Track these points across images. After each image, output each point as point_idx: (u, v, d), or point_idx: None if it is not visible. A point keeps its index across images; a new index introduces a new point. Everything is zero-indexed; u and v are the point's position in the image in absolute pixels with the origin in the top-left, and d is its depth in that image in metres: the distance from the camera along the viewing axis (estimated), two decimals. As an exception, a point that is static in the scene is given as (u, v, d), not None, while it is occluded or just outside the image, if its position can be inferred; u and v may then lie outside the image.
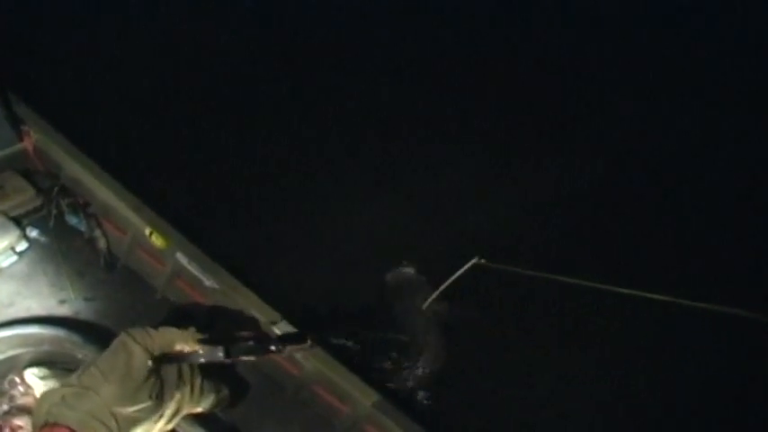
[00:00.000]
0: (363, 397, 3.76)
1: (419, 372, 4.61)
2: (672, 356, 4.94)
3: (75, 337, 3.84)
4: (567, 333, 5.00)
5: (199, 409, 3.32)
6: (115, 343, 2.87)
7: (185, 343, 3.01)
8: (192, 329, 3.09)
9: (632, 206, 6.08)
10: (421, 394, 4.53)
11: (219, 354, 3.01)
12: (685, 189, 6.36)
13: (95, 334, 3.92)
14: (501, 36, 7.63)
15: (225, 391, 3.53)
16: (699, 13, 8.47)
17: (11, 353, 3.81)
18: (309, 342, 3.42)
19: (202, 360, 3.00)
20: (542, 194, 5.93)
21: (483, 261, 4.26)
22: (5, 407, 3.62)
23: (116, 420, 2.68)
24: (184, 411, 3.14)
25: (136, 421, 2.77)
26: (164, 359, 2.91)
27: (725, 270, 5.52)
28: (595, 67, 7.43)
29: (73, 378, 2.74)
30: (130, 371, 2.77)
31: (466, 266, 4.32)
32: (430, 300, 4.76)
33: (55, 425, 2.59)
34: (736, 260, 5.68)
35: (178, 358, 2.98)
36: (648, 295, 3.79)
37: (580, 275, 4.04)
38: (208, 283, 4.03)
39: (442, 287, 4.57)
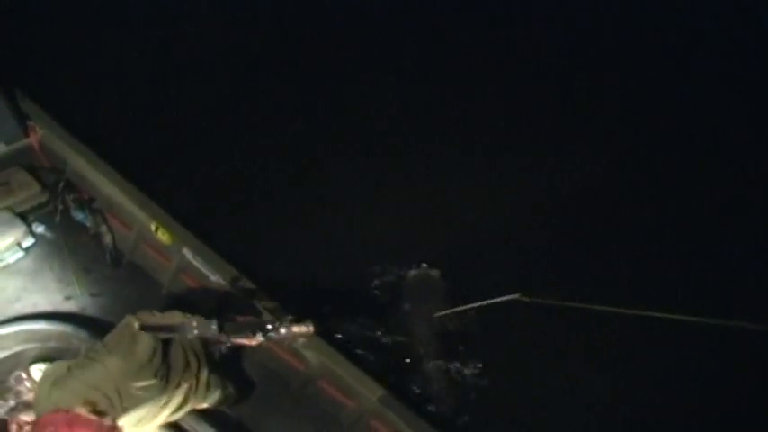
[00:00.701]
0: (369, 392, 3.75)
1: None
2: (711, 381, 4.85)
3: (82, 333, 3.84)
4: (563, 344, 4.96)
5: (205, 405, 3.33)
6: (122, 322, 2.96)
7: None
8: (198, 317, 3.12)
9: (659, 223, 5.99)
10: (427, 391, 4.52)
11: (213, 327, 3.05)
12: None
13: (101, 330, 3.85)
14: (507, 37, 7.57)
15: (231, 389, 3.53)
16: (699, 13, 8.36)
17: (17, 348, 3.81)
18: (312, 327, 3.34)
19: (195, 332, 3.03)
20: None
21: (525, 298, 3.97)
22: (12, 402, 3.62)
23: (119, 394, 2.72)
24: (190, 405, 3.14)
25: (140, 400, 2.81)
26: (157, 329, 2.95)
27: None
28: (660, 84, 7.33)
29: (80, 355, 2.83)
30: (134, 347, 2.84)
31: (504, 298, 4.05)
32: (447, 312, 4.67)
33: (55, 411, 2.62)
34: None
35: (171, 328, 3.00)
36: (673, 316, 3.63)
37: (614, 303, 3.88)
38: (213, 278, 4.03)
39: (469, 306, 4.40)
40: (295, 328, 3.30)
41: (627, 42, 7.83)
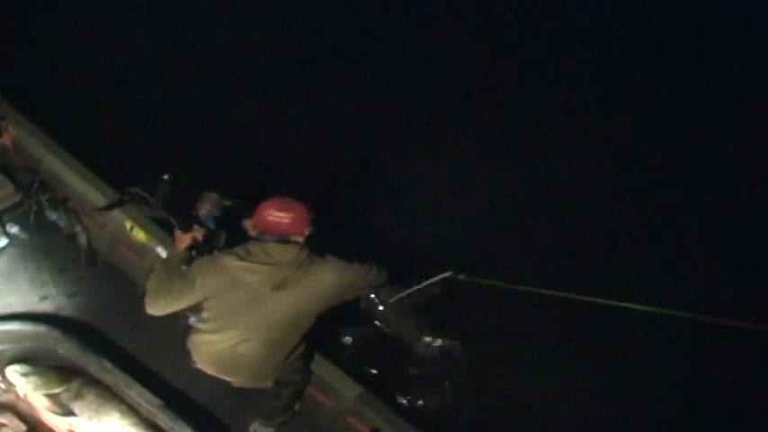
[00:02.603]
0: (347, 390, 3.78)
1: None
2: (653, 366, 4.96)
3: (57, 333, 3.82)
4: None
5: None
6: None
7: None
8: None
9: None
10: (406, 388, 4.54)
11: None
12: (664, 194, 6.35)
13: (77, 330, 3.91)
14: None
15: None
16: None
17: (-8, 349, 3.78)
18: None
19: None
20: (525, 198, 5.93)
21: (457, 275, 4.10)
22: (-13, 403, 3.62)
23: None
24: None
25: None
26: None
27: (699, 276, 5.53)
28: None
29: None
30: None
31: (437, 278, 4.19)
32: (397, 297, 4.68)
33: None
34: (707, 266, 5.69)
35: None
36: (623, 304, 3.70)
37: (554, 287, 3.95)
38: None
39: (410, 290, 4.40)
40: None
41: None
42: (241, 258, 3.19)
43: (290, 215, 3.22)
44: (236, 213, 3.54)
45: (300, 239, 3.25)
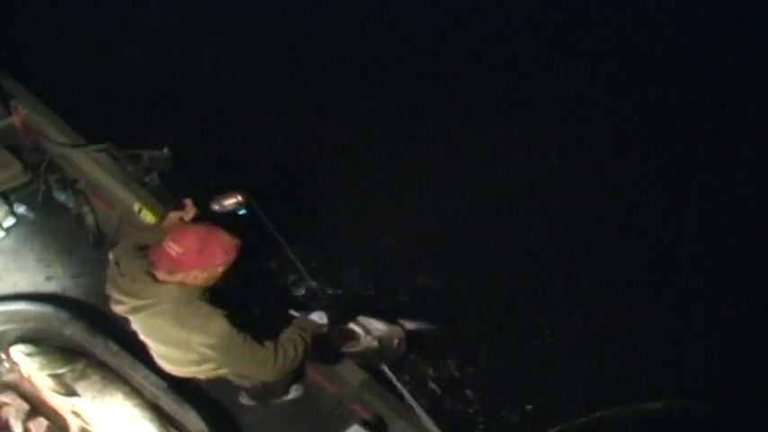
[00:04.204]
0: (351, 376, 3.73)
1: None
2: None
3: (62, 314, 3.78)
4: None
5: None
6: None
7: None
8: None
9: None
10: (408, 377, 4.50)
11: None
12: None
13: (82, 311, 3.87)
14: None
15: None
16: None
17: (-4, 329, 3.75)
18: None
19: None
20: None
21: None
22: (-9, 382, 3.59)
23: None
24: None
25: None
26: None
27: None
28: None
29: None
30: None
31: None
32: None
33: None
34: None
35: None
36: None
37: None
38: None
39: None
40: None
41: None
42: None
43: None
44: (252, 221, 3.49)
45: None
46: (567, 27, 7.32)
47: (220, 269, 2.94)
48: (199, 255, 2.85)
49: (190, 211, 3.42)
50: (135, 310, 2.96)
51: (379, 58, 6.72)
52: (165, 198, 3.58)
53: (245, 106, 6.12)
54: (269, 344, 2.99)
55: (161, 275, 2.90)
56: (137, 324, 3.09)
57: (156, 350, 3.20)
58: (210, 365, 3.12)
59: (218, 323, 2.85)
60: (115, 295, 3.04)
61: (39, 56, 5.68)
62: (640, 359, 4.84)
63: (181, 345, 2.96)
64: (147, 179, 3.64)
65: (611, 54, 7.03)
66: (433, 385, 4.60)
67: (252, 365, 2.98)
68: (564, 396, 4.59)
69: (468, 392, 4.61)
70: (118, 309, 3.05)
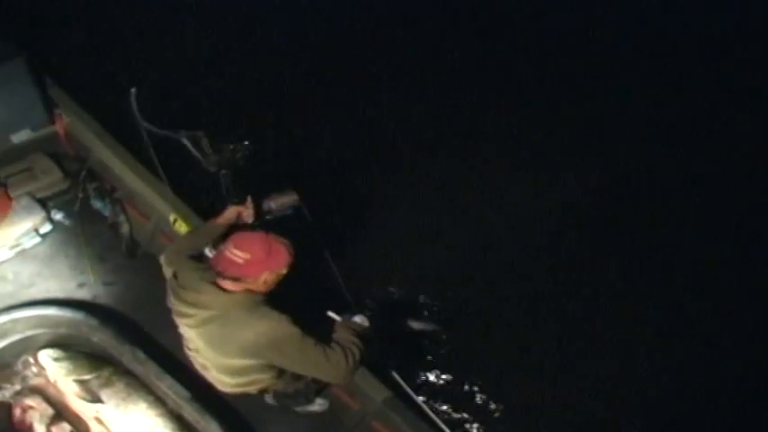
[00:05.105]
0: (374, 392, 3.63)
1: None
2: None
3: (92, 321, 3.79)
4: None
5: None
6: None
7: None
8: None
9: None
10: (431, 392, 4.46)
11: None
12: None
13: (112, 319, 3.88)
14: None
15: None
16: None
17: (28, 333, 3.77)
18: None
19: None
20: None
21: None
22: (18, 387, 3.61)
23: None
24: None
25: None
26: None
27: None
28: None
29: None
30: None
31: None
32: None
33: None
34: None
35: None
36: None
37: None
38: None
39: None
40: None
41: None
42: None
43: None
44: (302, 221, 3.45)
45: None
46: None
47: (284, 271, 2.91)
48: (266, 259, 2.84)
49: (250, 207, 3.36)
50: (205, 322, 2.89)
51: (408, 71, 6.78)
52: (237, 193, 3.49)
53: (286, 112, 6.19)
54: (335, 345, 2.93)
55: (227, 285, 2.86)
56: (201, 337, 2.97)
57: (216, 362, 3.04)
58: (272, 373, 3.06)
59: (289, 325, 2.81)
60: (180, 308, 2.95)
61: (84, 64, 5.76)
62: (644, 363, 4.76)
63: (247, 352, 2.88)
64: (222, 172, 3.55)
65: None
66: (438, 386, 4.56)
67: (326, 366, 2.88)
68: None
69: (473, 394, 4.57)
70: (183, 322, 2.98)
